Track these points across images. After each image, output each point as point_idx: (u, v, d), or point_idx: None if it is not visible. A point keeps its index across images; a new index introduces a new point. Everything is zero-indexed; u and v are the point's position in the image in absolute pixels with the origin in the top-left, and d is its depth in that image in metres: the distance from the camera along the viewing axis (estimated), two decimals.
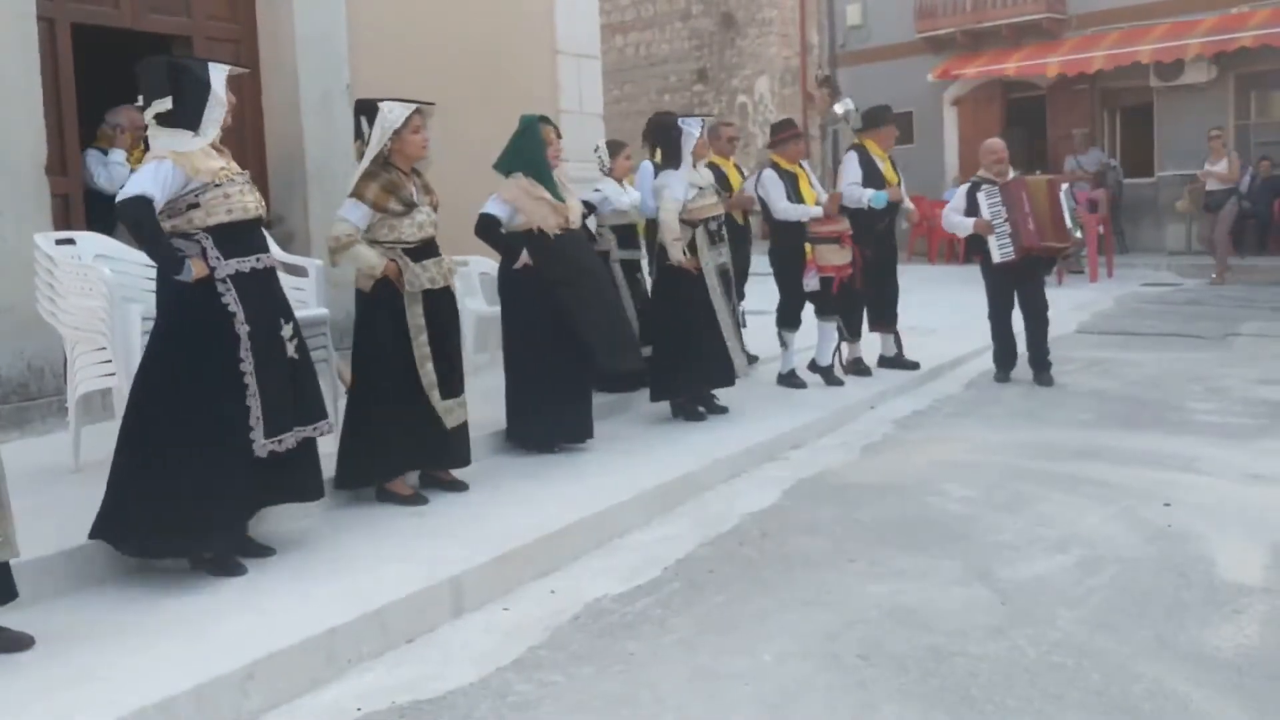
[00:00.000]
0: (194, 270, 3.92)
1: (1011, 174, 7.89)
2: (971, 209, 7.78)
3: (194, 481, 3.90)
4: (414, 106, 4.85)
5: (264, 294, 4.12)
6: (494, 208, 5.70)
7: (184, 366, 3.96)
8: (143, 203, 3.87)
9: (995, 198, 7.65)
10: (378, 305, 4.86)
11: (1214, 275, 14.23)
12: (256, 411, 4.02)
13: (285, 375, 4.16)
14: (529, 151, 5.75)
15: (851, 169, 7.81)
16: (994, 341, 8.04)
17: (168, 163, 3.92)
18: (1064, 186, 7.79)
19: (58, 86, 6.23)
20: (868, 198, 7.63)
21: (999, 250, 7.62)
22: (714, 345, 6.48)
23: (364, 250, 4.82)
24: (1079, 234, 7.85)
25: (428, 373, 4.88)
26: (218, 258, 3.98)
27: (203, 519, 3.94)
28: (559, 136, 5.98)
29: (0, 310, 5.66)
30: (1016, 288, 7.80)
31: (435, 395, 4.89)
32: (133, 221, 3.91)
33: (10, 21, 5.80)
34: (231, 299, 3.99)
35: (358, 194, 4.83)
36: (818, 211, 7.38)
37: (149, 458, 3.93)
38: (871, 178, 7.75)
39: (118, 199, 3.93)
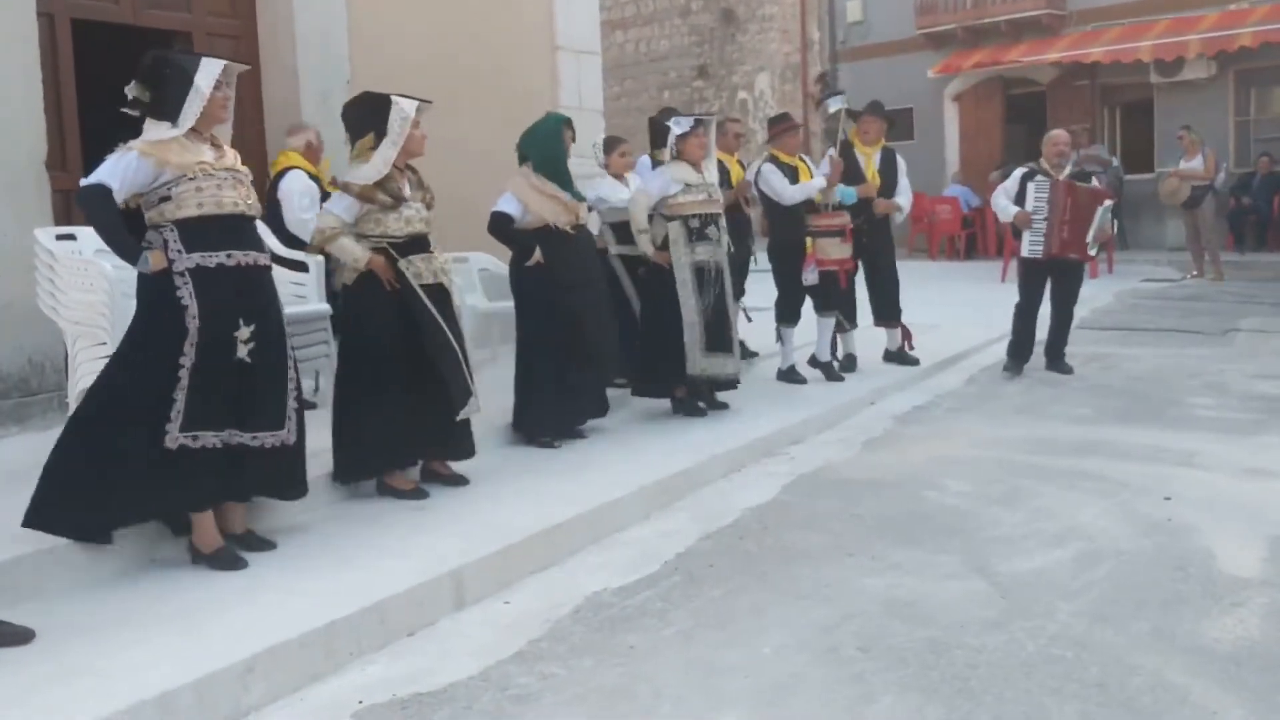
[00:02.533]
0: (151, 261, 3.91)
1: (1067, 170, 7.83)
2: (1021, 196, 7.73)
3: (103, 466, 3.89)
4: (417, 102, 4.87)
5: (228, 292, 4.02)
6: (506, 205, 5.73)
7: (134, 354, 3.97)
8: (99, 191, 3.87)
9: (1043, 192, 7.60)
10: (364, 299, 4.86)
11: (1193, 272, 14.18)
12: (179, 405, 3.93)
13: (227, 376, 4.03)
14: (549, 150, 5.77)
15: (825, 164, 7.83)
16: (1013, 333, 7.98)
17: (132, 154, 3.91)
18: (1106, 203, 7.70)
19: (58, 82, 6.24)
20: (836, 193, 7.64)
21: (1029, 246, 7.62)
22: (674, 345, 6.40)
23: (348, 243, 4.83)
24: (1094, 252, 7.83)
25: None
26: (179, 250, 3.94)
27: (107, 502, 3.91)
28: (574, 140, 6.04)
29: (0, 305, 5.67)
30: (1051, 275, 7.77)
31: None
32: (88, 210, 3.91)
33: (10, 16, 5.81)
34: (186, 293, 3.93)
35: (344, 186, 4.85)
36: (821, 182, 7.40)
37: (83, 438, 3.92)
38: (848, 173, 7.72)
39: (79, 185, 3.93)
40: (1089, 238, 7.57)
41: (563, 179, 5.77)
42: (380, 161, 4.80)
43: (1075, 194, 7.59)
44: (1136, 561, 4.23)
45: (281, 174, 6.35)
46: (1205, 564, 4.17)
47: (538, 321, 5.78)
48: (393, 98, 4.83)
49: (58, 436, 3.98)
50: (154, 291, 3.96)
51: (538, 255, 5.68)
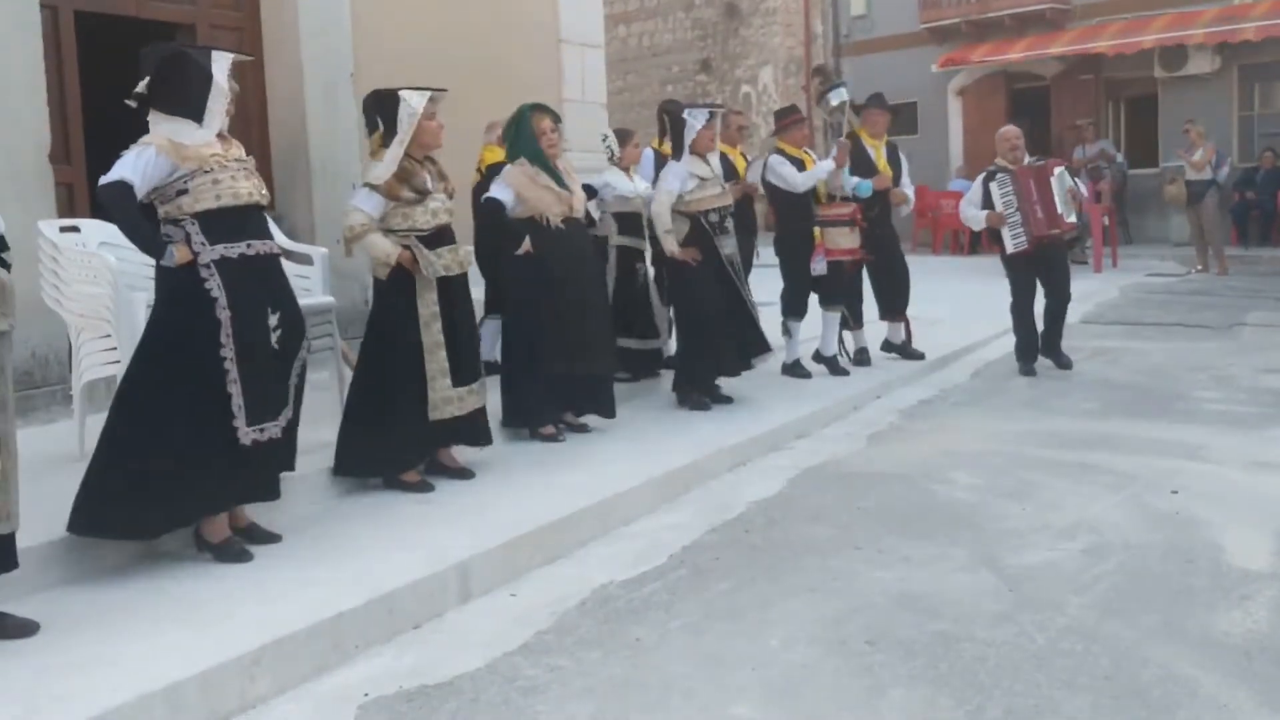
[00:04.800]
0: (176, 255, 3.89)
1: (1026, 161, 7.82)
2: (986, 200, 7.71)
3: (171, 466, 3.87)
4: (429, 94, 4.85)
5: (253, 281, 4.04)
6: (498, 192, 5.70)
7: (168, 351, 3.94)
8: (122, 188, 3.84)
9: (1007, 187, 7.60)
10: (395, 293, 4.86)
11: (1198, 266, 14.17)
12: (238, 399, 3.94)
13: (270, 364, 4.07)
14: (522, 141, 5.75)
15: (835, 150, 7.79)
16: (1016, 334, 7.94)
17: (151, 149, 3.89)
18: (1056, 171, 7.71)
19: (61, 75, 6.23)
20: (851, 186, 7.60)
21: (1012, 241, 7.59)
22: (727, 336, 6.47)
23: (378, 239, 4.83)
24: (1073, 218, 7.78)
25: (438, 360, 4.88)
26: (202, 243, 3.93)
27: (177, 502, 3.91)
28: (558, 122, 5.91)
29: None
30: (1040, 274, 7.75)
31: (444, 382, 4.88)
32: (111, 207, 3.89)
33: (14, 9, 5.79)
34: (215, 284, 3.93)
35: (370, 183, 4.83)
36: (830, 165, 7.37)
37: (132, 440, 3.90)
38: (859, 166, 7.70)
39: (99, 184, 3.90)
40: (1059, 207, 7.53)
41: (547, 168, 5.72)
42: (389, 159, 4.80)
43: (1032, 175, 7.59)
44: (1145, 555, 4.21)
45: (495, 169, 6.31)
46: (1214, 557, 4.16)
47: (524, 311, 5.75)
48: (401, 93, 4.81)
49: (109, 441, 3.93)
50: (179, 285, 3.94)
51: (527, 244, 5.65)
